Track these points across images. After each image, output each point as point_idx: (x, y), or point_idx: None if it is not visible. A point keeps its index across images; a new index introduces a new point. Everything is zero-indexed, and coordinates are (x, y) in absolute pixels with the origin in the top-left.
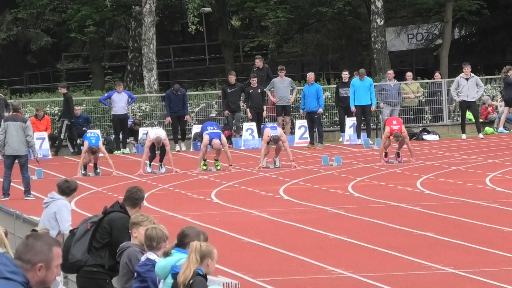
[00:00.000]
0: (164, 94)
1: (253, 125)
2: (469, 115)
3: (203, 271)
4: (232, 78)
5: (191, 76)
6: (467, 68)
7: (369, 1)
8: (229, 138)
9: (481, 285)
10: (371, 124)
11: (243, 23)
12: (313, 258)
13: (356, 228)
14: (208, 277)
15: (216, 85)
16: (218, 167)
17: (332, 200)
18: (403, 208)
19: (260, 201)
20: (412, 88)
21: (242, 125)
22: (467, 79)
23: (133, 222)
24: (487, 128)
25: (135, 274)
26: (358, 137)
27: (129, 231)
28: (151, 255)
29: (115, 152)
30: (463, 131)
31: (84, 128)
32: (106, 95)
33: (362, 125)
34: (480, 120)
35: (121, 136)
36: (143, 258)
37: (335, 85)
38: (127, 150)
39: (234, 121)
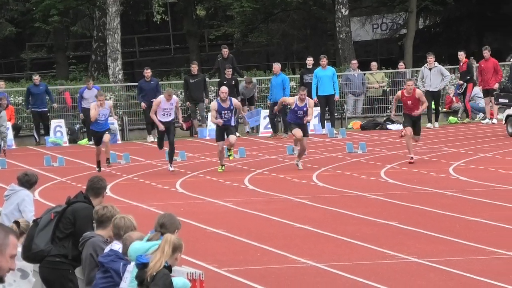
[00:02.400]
0: (129, 84)
1: None
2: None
3: (168, 263)
4: (194, 68)
5: (156, 66)
6: (431, 58)
7: None
8: (189, 129)
9: (445, 274)
10: (336, 114)
11: (208, 12)
12: (277, 248)
13: (320, 217)
14: (174, 268)
15: (181, 75)
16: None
17: (297, 189)
18: (367, 197)
19: (225, 191)
20: (377, 78)
21: (206, 115)
22: (430, 69)
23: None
24: (450, 118)
25: (99, 265)
26: (323, 126)
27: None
28: (115, 246)
29: (79, 142)
30: (429, 120)
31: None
32: (79, 95)
33: (327, 115)
34: (444, 109)
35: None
36: (107, 249)
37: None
38: (85, 140)
39: (198, 111)
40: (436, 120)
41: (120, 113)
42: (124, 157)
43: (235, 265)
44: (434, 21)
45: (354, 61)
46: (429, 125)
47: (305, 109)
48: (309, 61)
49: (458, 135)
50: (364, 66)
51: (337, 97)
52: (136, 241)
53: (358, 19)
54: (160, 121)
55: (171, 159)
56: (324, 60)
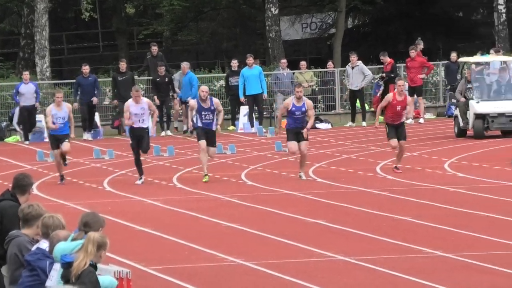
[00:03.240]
0: (57, 82)
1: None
2: (358, 103)
3: (93, 261)
4: (123, 66)
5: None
6: (353, 57)
7: None
8: (117, 127)
9: (371, 272)
10: (265, 113)
11: (137, 10)
12: (205, 246)
13: (249, 216)
14: (99, 266)
15: (110, 73)
16: None
17: (226, 188)
18: (295, 196)
19: (154, 189)
20: (306, 77)
21: None
22: (352, 68)
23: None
24: (381, 117)
25: (25, 263)
26: (252, 125)
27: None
28: (42, 244)
29: (6, 139)
30: (352, 120)
31: None
32: (14, 90)
33: (255, 113)
34: (372, 108)
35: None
36: (34, 247)
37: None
38: (17, 138)
39: None
40: (364, 119)
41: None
42: (50, 155)
43: (163, 264)
44: (363, 20)
45: (284, 60)
46: (363, 123)
47: (303, 109)
48: (234, 63)
49: (384, 135)
50: (293, 65)
51: (265, 95)
52: (61, 242)
53: (288, 18)
54: (133, 128)
55: (140, 171)
56: (250, 60)
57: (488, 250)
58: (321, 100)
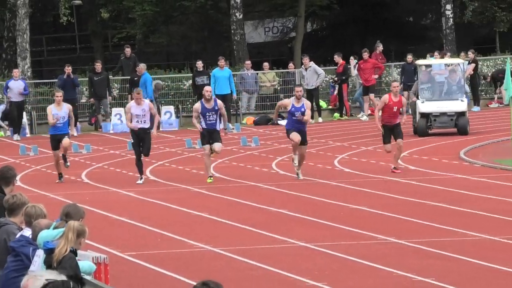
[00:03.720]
0: (37, 81)
1: (121, 110)
2: (320, 102)
3: (74, 247)
4: (98, 67)
5: (63, 64)
6: (305, 60)
7: None
8: (94, 124)
9: (330, 257)
10: (231, 110)
11: (111, 15)
12: (176, 234)
13: (217, 205)
14: (79, 252)
15: (86, 73)
16: None
17: (195, 180)
18: (260, 187)
19: (128, 181)
20: (268, 77)
21: (110, 111)
22: (306, 69)
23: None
24: (335, 114)
25: (10, 249)
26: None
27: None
28: (25, 232)
29: None
30: (312, 117)
31: None
32: (4, 85)
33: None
34: (330, 106)
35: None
36: (18, 235)
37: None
38: (1, 133)
39: (102, 107)
40: (319, 116)
41: (29, 108)
42: (32, 149)
43: (137, 250)
44: (321, 25)
45: (248, 62)
46: (319, 119)
47: (303, 109)
48: (199, 64)
49: (342, 130)
50: (257, 66)
51: (234, 96)
52: (44, 230)
53: (252, 23)
54: (134, 128)
55: (140, 170)
56: (222, 62)
57: (437, 237)
58: (283, 99)
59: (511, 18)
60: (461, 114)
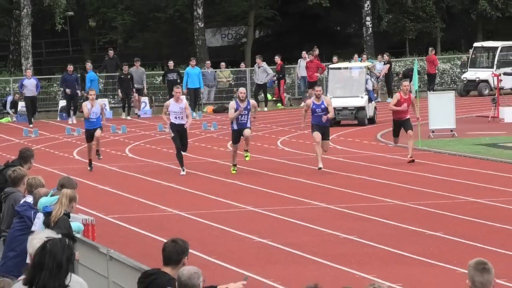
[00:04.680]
0: (37, 77)
1: (105, 100)
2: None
3: (67, 211)
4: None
5: (58, 63)
6: (259, 60)
7: (192, 9)
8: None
9: (273, 219)
10: (198, 102)
11: (97, 23)
12: (150, 200)
13: (184, 178)
14: (71, 215)
15: (77, 71)
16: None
17: (167, 157)
18: (218, 163)
19: (111, 158)
20: (225, 74)
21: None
22: (258, 68)
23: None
24: (278, 105)
25: (16, 213)
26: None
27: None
28: (28, 199)
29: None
30: (265, 105)
31: None
32: (20, 83)
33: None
34: (274, 98)
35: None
36: (21, 201)
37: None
38: (9, 119)
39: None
40: (266, 106)
41: None
42: (34, 132)
43: (119, 213)
44: (266, 33)
45: (208, 62)
46: (265, 109)
47: (323, 106)
48: (170, 64)
49: (284, 117)
50: (215, 65)
51: (202, 89)
52: (43, 197)
53: (211, 30)
54: (174, 124)
55: (181, 162)
56: (193, 62)
57: (360, 203)
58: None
59: (418, 28)
60: (361, 108)
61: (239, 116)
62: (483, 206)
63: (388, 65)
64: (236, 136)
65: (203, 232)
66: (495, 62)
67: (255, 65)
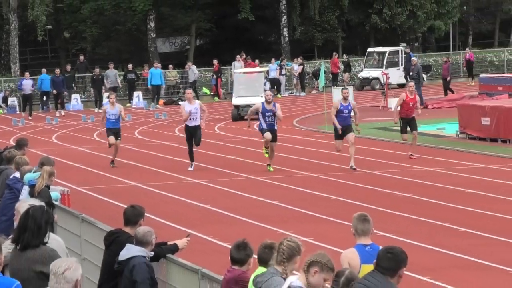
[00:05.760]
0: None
1: (77, 96)
2: (205, 89)
3: (47, 183)
4: (68, 67)
5: (40, 67)
6: (189, 63)
7: (146, 23)
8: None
9: (212, 188)
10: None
11: (71, 35)
12: (114, 175)
13: (139, 156)
14: (51, 186)
15: (54, 72)
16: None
17: (125, 140)
18: (167, 144)
19: (82, 141)
20: (172, 74)
21: (70, 96)
22: (189, 69)
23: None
24: (215, 98)
25: (6, 186)
26: (154, 102)
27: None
28: (16, 174)
29: None
30: (197, 99)
31: None
32: (19, 83)
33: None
34: (212, 93)
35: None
36: (11, 176)
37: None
38: (1, 111)
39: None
40: (197, 98)
41: (19, 95)
42: (21, 121)
43: (89, 185)
44: (205, 41)
45: (159, 64)
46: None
47: (350, 107)
48: (129, 66)
49: (220, 108)
50: (164, 67)
51: (163, 86)
52: (28, 172)
53: (161, 39)
54: (187, 125)
55: (191, 159)
56: (156, 64)
57: (280, 175)
58: (182, 88)
59: (324, 37)
60: None
61: (267, 118)
62: (376, 176)
63: (301, 67)
64: (266, 130)
65: (156, 200)
66: (384, 63)
67: (187, 67)
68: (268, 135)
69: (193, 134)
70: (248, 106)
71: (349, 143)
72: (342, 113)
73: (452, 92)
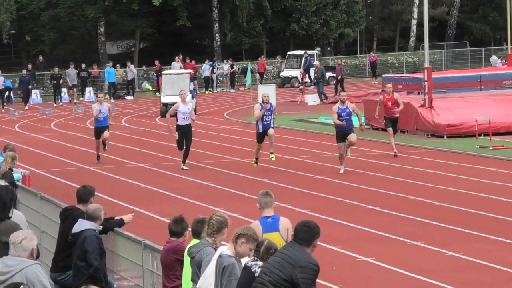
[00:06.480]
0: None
1: (37, 91)
2: (148, 85)
3: (10, 166)
4: (29, 66)
5: (5, 66)
6: (128, 63)
7: (97, 28)
8: (22, 97)
9: (158, 173)
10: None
11: (32, 38)
12: (68, 159)
13: (86, 142)
14: (14, 169)
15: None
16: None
17: (77, 129)
18: (117, 134)
19: (42, 130)
20: (120, 72)
21: (31, 92)
22: (127, 68)
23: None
24: (157, 93)
25: None
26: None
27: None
28: None
29: None
30: (132, 95)
31: None
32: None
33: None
34: (154, 89)
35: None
36: None
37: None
38: None
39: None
40: (132, 95)
41: None
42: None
43: (47, 168)
44: (148, 44)
45: (110, 63)
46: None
47: (348, 110)
48: (83, 66)
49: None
50: (114, 66)
51: (115, 83)
52: None
53: (110, 43)
54: (180, 125)
55: (184, 159)
56: (110, 63)
57: (211, 160)
58: (130, 87)
59: (250, 41)
60: None
61: (264, 117)
62: (293, 161)
63: (232, 68)
64: (261, 136)
65: (105, 180)
66: (302, 64)
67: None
68: (260, 146)
69: (186, 133)
70: (176, 104)
71: (348, 142)
72: (340, 116)
73: (343, 89)
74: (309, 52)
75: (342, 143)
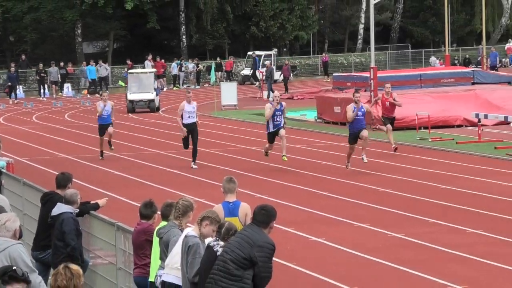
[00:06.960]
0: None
1: (20, 87)
2: (121, 82)
3: None
4: (12, 66)
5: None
6: (100, 62)
7: (74, 30)
8: (7, 93)
9: (148, 166)
10: (91, 87)
11: (15, 39)
12: (50, 149)
13: (68, 135)
14: None
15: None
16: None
17: (61, 122)
18: (93, 126)
19: (26, 122)
20: (101, 72)
21: (19, 88)
22: (100, 66)
23: None
24: None
25: None
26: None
27: None
28: None
29: None
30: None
31: None
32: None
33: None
34: (126, 85)
35: None
36: None
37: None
38: None
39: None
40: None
41: None
42: None
43: (29, 157)
44: (121, 45)
45: (84, 62)
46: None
47: (363, 110)
48: (61, 64)
49: None
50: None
51: (96, 79)
52: None
53: (86, 43)
54: (185, 124)
55: (194, 158)
56: (92, 62)
57: (180, 150)
58: (108, 85)
59: (214, 43)
60: (151, 100)
61: (274, 117)
62: (254, 151)
63: (197, 67)
64: (272, 136)
65: (82, 169)
66: (260, 63)
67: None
68: (271, 146)
69: (192, 131)
70: (142, 101)
71: (363, 138)
72: (356, 116)
73: (286, 89)
74: (267, 52)
75: (354, 144)
